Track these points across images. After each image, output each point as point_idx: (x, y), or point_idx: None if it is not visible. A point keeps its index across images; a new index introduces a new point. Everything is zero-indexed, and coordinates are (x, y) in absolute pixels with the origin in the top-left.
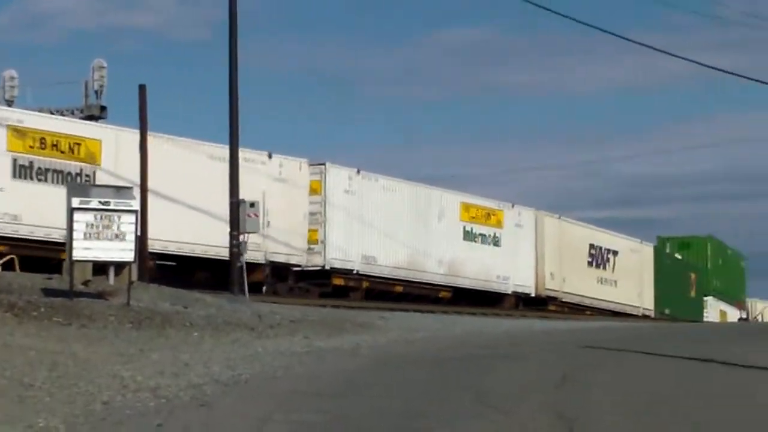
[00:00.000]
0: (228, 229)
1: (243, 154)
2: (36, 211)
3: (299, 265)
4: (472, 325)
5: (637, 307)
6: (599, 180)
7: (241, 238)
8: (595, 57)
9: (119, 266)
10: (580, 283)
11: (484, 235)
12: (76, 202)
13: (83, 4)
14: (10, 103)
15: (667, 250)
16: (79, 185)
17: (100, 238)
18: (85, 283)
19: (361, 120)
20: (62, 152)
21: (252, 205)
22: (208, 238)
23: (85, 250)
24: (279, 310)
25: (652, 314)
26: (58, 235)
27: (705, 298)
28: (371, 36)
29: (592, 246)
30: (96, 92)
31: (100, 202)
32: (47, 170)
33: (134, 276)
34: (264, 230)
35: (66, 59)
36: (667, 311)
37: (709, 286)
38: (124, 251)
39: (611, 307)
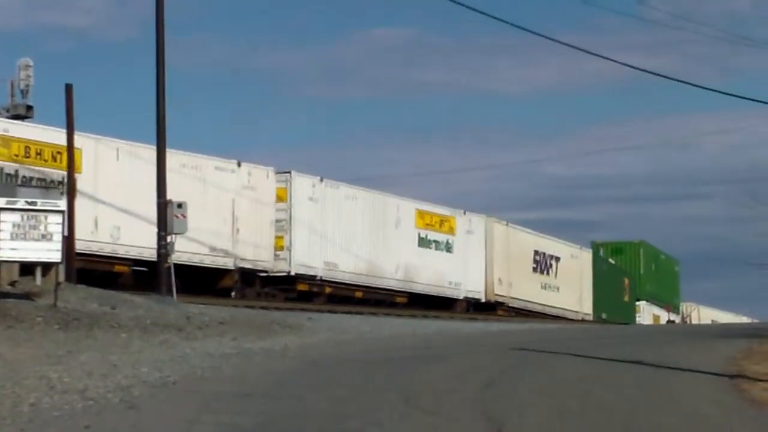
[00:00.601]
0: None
1: (213, 162)
2: None
3: (266, 271)
4: (401, 327)
5: (577, 312)
6: (528, 181)
7: (168, 238)
8: (523, 58)
9: (46, 267)
10: (526, 289)
11: (438, 242)
12: (2, 202)
13: (11, 2)
14: None
15: (601, 254)
16: (6, 185)
17: (27, 238)
18: (12, 283)
19: (286, 120)
20: (45, 161)
21: (180, 206)
22: (189, 246)
23: (11, 250)
24: (207, 311)
25: (591, 318)
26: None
27: (638, 303)
28: (296, 35)
29: (536, 252)
30: (22, 91)
31: (26, 202)
32: (31, 178)
33: (61, 277)
34: (234, 236)
35: None
36: (603, 315)
37: (642, 291)
38: (51, 252)
39: (554, 312)
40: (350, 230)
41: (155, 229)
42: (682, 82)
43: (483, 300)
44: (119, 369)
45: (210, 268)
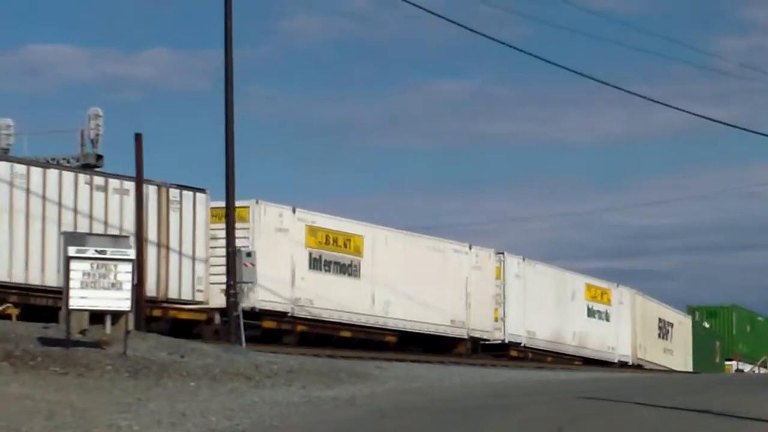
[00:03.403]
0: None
1: (452, 245)
2: (323, 295)
3: (488, 340)
4: (470, 375)
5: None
6: (592, 231)
7: (238, 287)
8: (587, 108)
9: (116, 315)
10: (655, 353)
11: (600, 312)
12: (72, 251)
13: (81, 54)
14: (6, 151)
15: (696, 318)
16: (75, 234)
17: (97, 287)
18: (82, 332)
19: (347, 169)
20: (339, 246)
21: (249, 255)
22: (427, 317)
23: (81, 299)
24: (276, 359)
25: None
26: (336, 317)
27: (727, 362)
28: (359, 86)
29: (659, 319)
30: (92, 141)
31: (96, 251)
32: (330, 262)
33: (131, 325)
34: (467, 309)
35: (63, 108)
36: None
37: (734, 350)
38: (120, 300)
39: None
40: (542, 303)
41: (416, 305)
42: (747, 130)
43: (630, 363)
44: (188, 417)
45: (447, 337)
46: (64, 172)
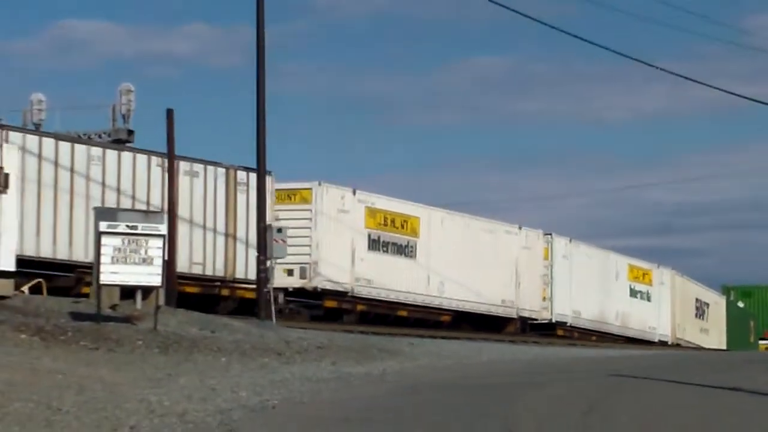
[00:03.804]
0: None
1: (503, 227)
2: (381, 275)
3: (536, 320)
4: (498, 352)
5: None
6: (628, 208)
7: (267, 263)
8: (623, 85)
9: (147, 291)
10: (693, 332)
11: (641, 292)
12: (103, 226)
13: (118, 31)
14: (37, 126)
15: (731, 298)
16: (106, 209)
17: (128, 262)
18: (113, 307)
19: (383, 146)
20: (396, 228)
21: (279, 230)
22: (479, 297)
23: (112, 274)
24: (306, 335)
25: None
26: (394, 297)
27: (761, 341)
28: (396, 63)
29: (696, 299)
30: (123, 116)
31: (127, 226)
32: (388, 243)
33: (161, 300)
34: (517, 289)
35: (99, 84)
36: None
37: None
38: (151, 275)
39: None
40: (587, 283)
41: (469, 285)
42: None
43: (670, 342)
44: (218, 393)
45: (498, 316)
46: (138, 155)
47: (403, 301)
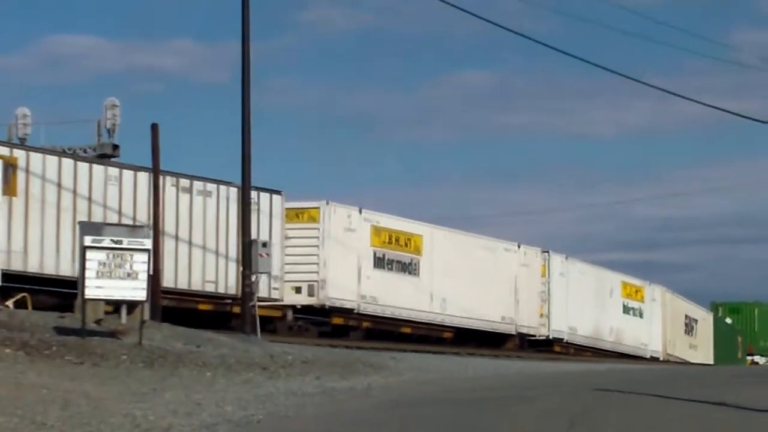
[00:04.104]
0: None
1: (503, 244)
2: (386, 293)
3: (534, 335)
4: (484, 367)
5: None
6: (615, 223)
7: (253, 277)
8: (608, 100)
9: (132, 305)
10: (682, 348)
11: (634, 309)
12: (88, 240)
13: (105, 46)
14: (23, 141)
15: (719, 314)
16: (91, 223)
17: (113, 276)
18: (98, 321)
19: (371, 161)
20: (400, 246)
21: (264, 245)
22: (479, 314)
23: (97, 288)
24: (291, 350)
25: None
26: (398, 314)
27: (749, 357)
28: (383, 78)
29: (686, 316)
30: (108, 131)
31: (112, 240)
32: (393, 261)
33: (146, 315)
34: (516, 306)
35: (86, 99)
36: None
37: (756, 347)
38: (136, 290)
39: None
40: (583, 299)
41: (470, 302)
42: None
43: (661, 358)
44: (204, 407)
45: (498, 333)
46: (138, 173)
47: (406, 318)
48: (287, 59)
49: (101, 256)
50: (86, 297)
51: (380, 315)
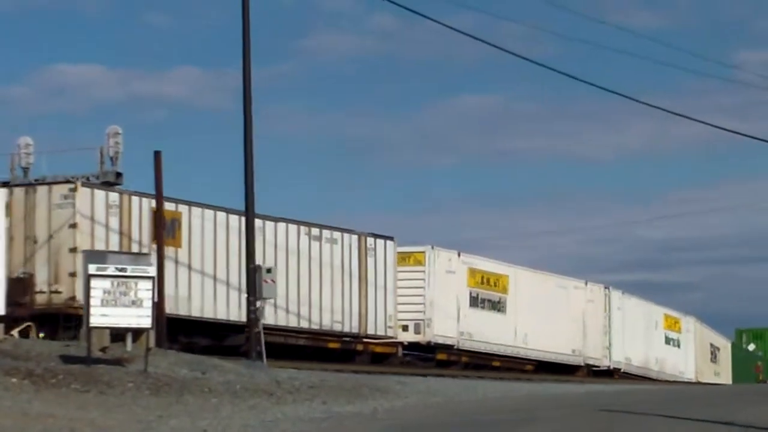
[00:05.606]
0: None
1: (572, 282)
2: (480, 329)
3: (598, 366)
4: (492, 389)
5: None
6: (617, 245)
7: (258, 303)
8: (609, 122)
9: (137, 332)
10: (709, 374)
11: (673, 339)
12: (92, 268)
13: (107, 75)
14: (25, 170)
15: (743, 340)
16: (96, 252)
17: (117, 304)
18: (103, 349)
19: (372, 186)
20: (490, 285)
21: (269, 270)
22: (554, 347)
23: (102, 316)
24: (297, 375)
25: None
26: (489, 348)
27: None
28: (384, 103)
29: (711, 344)
30: (111, 159)
31: (116, 268)
32: (485, 300)
33: (152, 342)
34: (584, 339)
35: (88, 128)
36: None
37: None
38: (141, 317)
39: None
40: (634, 332)
41: (547, 336)
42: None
43: None
44: None
45: (567, 364)
46: (290, 225)
47: (495, 352)
48: (289, 85)
49: (106, 284)
50: (91, 325)
51: (476, 350)
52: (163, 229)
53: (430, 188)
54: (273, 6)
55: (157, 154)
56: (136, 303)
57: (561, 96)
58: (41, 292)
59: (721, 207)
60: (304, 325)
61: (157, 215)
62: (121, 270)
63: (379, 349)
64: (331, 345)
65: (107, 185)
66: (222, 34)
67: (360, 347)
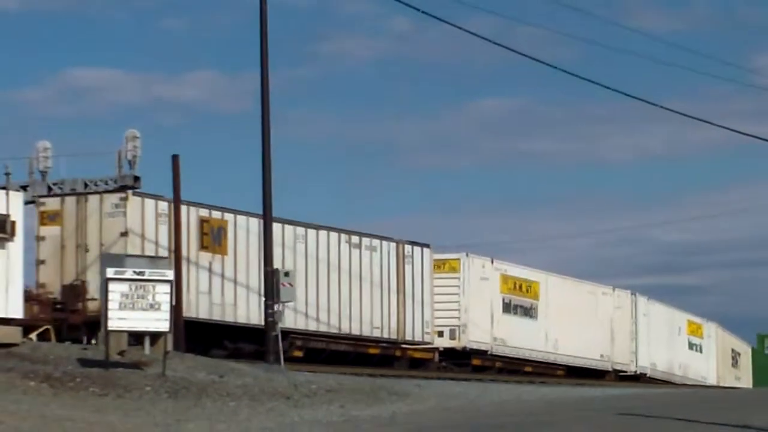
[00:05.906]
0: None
1: (601, 288)
2: (512, 335)
3: (625, 371)
4: (508, 393)
5: None
6: (635, 247)
7: (275, 307)
8: (629, 126)
9: (155, 336)
10: (729, 380)
11: (696, 345)
12: (110, 272)
13: (125, 78)
14: (44, 174)
15: (766, 345)
16: (113, 255)
17: (135, 308)
18: (121, 353)
19: (391, 189)
20: (522, 292)
21: (287, 274)
22: (584, 352)
23: (120, 320)
24: (315, 379)
25: None
26: (521, 354)
27: None
28: (403, 106)
29: (732, 350)
30: (129, 162)
31: (134, 272)
32: (517, 306)
33: (169, 346)
34: (612, 344)
35: (107, 131)
36: None
37: None
38: (159, 321)
39: None
40: (659, 337)
41: (577, 342)
42: None
43: None
44: None
45: (595, 369)
46: (331, 233)
47: (527, 358)
48: (307, 89)
49: (124, 287)
50: (109, 329)
51: (509, 356)
52: (209, 237)
53: (448, 191)
54: (290, 10)
55: (174, 158)
56: (154, 306)
57: (579, 99)
58: (93, 299)
59: (740, 209)
60: (345, 331)
61: (174, 219)
62: (139, 273)
63: (417, 355)
64: (372, 351)
65: (126, 188)
66: (240, 38)
67: (398, 353)
